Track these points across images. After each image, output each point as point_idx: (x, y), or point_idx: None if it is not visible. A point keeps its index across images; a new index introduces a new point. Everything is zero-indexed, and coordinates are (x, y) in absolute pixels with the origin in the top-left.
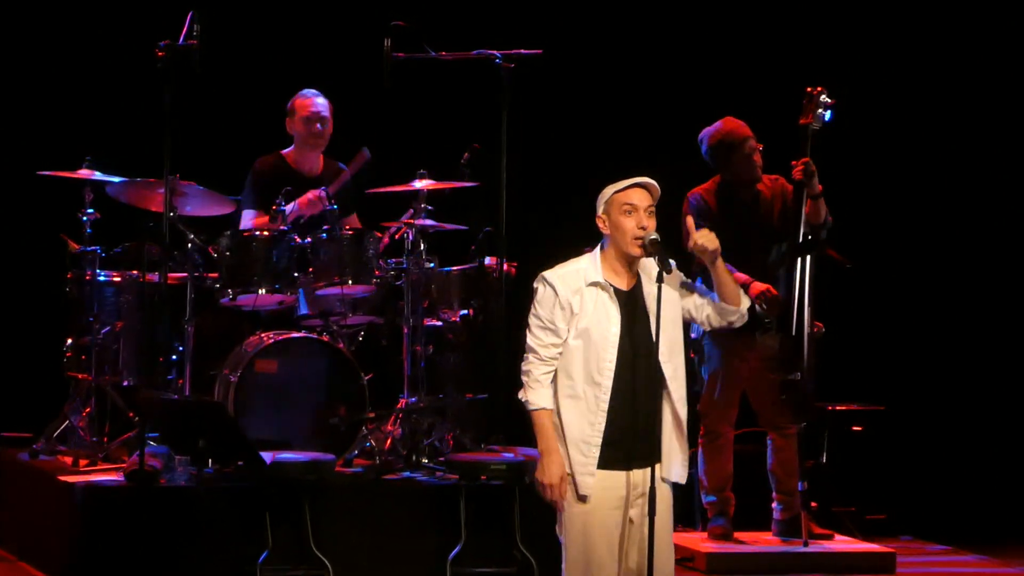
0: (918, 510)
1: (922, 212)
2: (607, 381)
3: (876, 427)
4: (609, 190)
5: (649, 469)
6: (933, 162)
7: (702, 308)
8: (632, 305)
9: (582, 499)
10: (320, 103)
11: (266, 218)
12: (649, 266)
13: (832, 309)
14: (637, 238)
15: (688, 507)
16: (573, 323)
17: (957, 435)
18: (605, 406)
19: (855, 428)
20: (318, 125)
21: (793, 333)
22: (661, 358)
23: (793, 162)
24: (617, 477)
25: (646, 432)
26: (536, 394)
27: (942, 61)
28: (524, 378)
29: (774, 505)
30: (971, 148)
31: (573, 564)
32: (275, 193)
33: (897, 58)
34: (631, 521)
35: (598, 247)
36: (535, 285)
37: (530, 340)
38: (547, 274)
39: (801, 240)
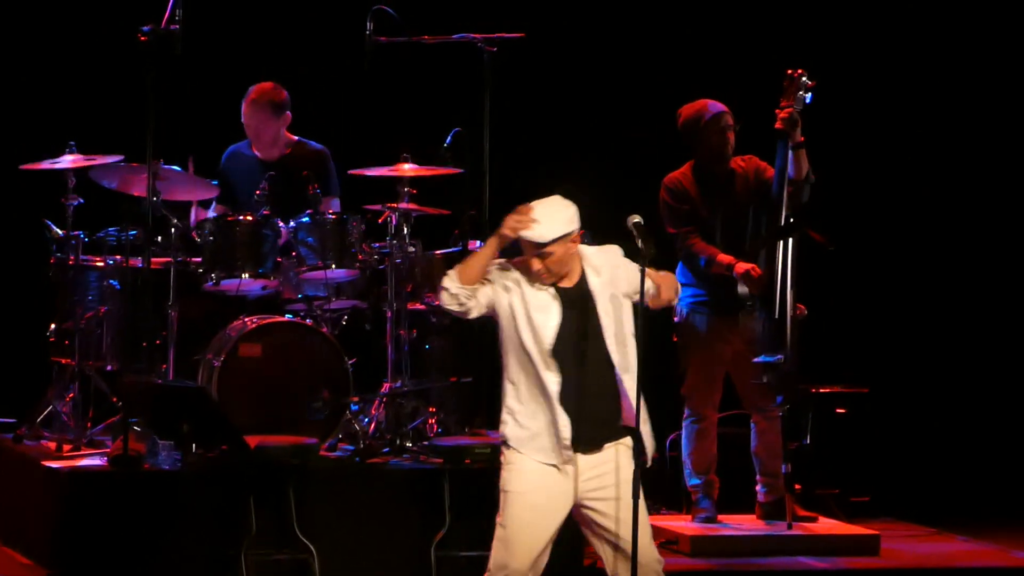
0: (902, 492)
1: (904, 194)
2: (548, 372)
3: (860, 409)
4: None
5: (591, 456)
6: (914, 144)
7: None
8: (576, 300)
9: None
10: (253, 106)
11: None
12: (595, 260)
13: (815, 291)
14: (534, 274)
15: (673, 490)
16: (513, 311)
17: (941, 417)
18: (545, 396)
19: (839, 410)
20: (251, 127)
21: (776, 315)
22: (609, 347)
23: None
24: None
25: (593, 422)
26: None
27: (922, 43)
28: (444, 281)
29: (758, 488)
30: (952, 129)
31: (499, 541)
32: (238, 182)
33: (876, 40)
34: (582, 504)
35: None
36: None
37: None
38: (496, 264)
39: (783, 222)
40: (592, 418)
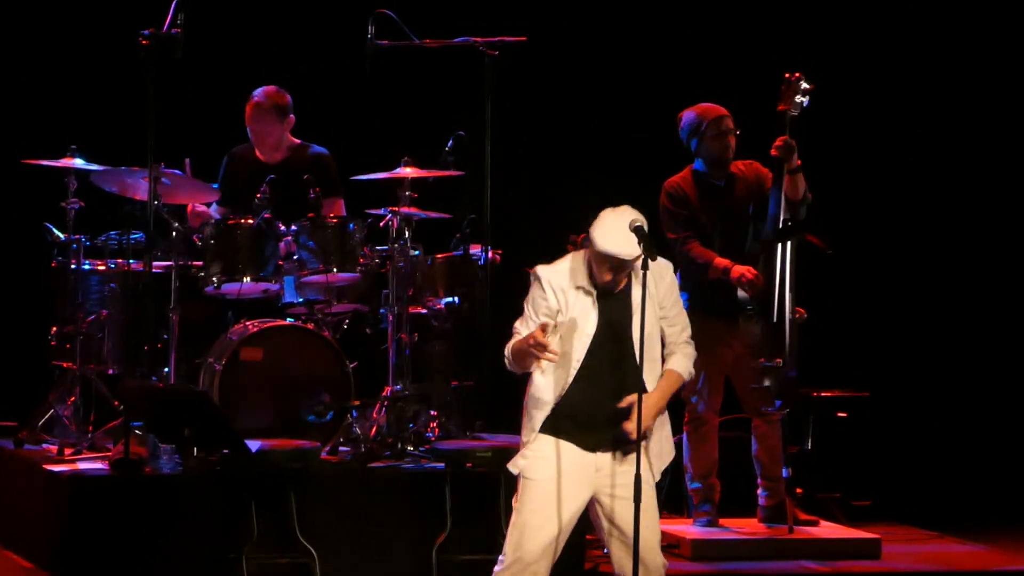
0: (903, 496)
1: (903, 197)
2: (569, 376)
3: (861, 413)
4: (595, 231)
5: (616, 454)
6: (912, 147)
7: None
8: (615, 306)
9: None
10: (257, 110)
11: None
12: (639, 268)
13: (814, 295)
14: (600, 281)
15: (674, 494)
16: (557, 319)
17: (942, 421)
18: (556, 397)
19: (840, 414)
20: (255, 131)
21: (774, 319)
22: (637, 356)
23: (772, 151)
24: (584, 457)
25: (618, 422)
26: (508, 349)
27: (920, 45)
28: (505, 359)
29: (759, 491)
30: (951, 133)
31: (514, 526)
32: (240, 184)
33: (875, 43)
34: (599, 500)
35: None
36: (532, 279)
37: (518, 324)
38: (540, 270)
39: (781, 225)
40: (613, 418)
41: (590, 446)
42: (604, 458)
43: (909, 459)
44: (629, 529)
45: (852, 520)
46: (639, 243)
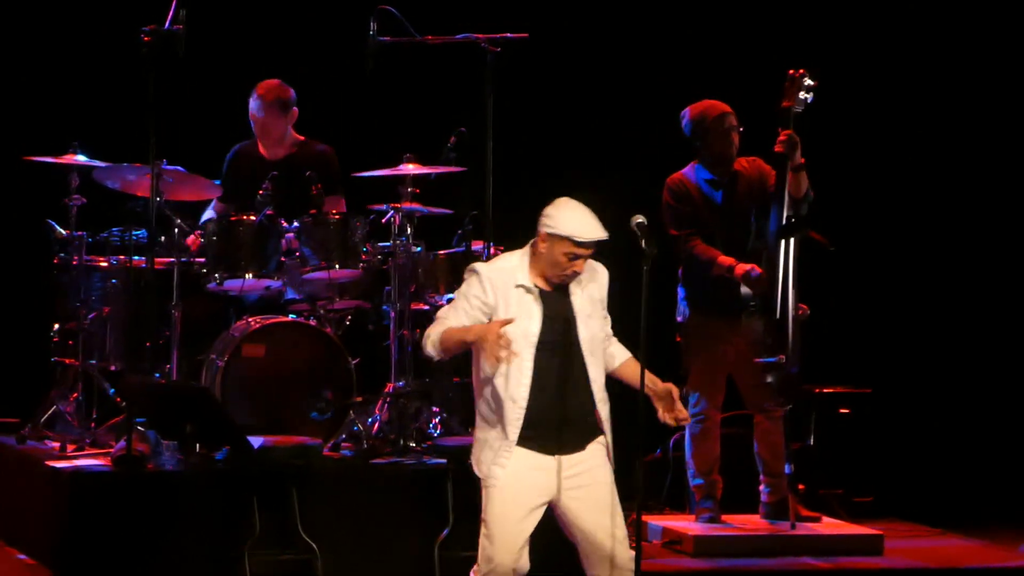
0: (905, 492)
1: (905, 194)
2: (525, 378)
3: (863, 409)
4: (566, 226)
5: (572, 456)
6: (915, 144)
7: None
8: (557, 305)
9: (499, 476)
10: (260, 104)
11: (221, 206)
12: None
13: (817, 292)
14: (564, 275)
15: (676, 490)
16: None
17: (944, 417)
18: (523, 400)
19: (842, 411)
20: (259, 125)
21: (777, 316)
22: (585, 353)
23: (776, 146)
24: (544, 460)
25: (571, 422)
26: (436, 333)
27: (923, 43)
28: (426, 339)
29: (761, 488)
30: (953, 130)
31: (485, 537)
32: (242, 181)
33: (877, 40)
34: (559, 503)
35: (528, 246)
36: (465, 275)
37: (443, 312)
38: (479, 267)
39: (784, 222)
40: (565, 419)
41: (548, 449)
42: (563, 460)
43: (911, 455)
44: (590, 526)
45: (854, 516)
46: (641, 239)
